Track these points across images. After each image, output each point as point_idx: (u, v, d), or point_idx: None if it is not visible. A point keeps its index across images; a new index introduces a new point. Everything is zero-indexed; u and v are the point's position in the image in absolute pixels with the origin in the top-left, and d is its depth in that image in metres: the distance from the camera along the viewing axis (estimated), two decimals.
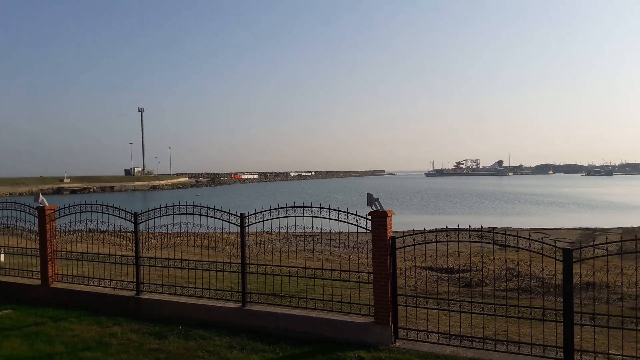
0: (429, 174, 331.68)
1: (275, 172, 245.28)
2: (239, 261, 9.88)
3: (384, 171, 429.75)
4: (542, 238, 7.78)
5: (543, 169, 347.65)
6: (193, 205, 10.16)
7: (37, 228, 12.15)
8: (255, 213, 9.64)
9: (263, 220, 9.56)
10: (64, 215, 11.87)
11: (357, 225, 8.76)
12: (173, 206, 10.36)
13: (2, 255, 13.99)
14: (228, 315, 9.75)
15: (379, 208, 8.51)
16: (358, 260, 9.02)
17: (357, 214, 8.75)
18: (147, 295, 10.70)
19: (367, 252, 8.84)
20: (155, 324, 9.91)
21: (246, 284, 9.83)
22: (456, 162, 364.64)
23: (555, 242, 7.62)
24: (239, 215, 9.81)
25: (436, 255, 8.67)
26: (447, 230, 8.21)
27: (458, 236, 8.20)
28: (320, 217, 9.03)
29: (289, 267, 9.69)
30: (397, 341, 8.50)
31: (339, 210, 8.92)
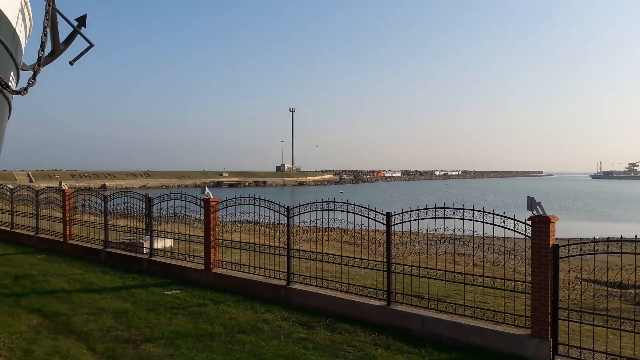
0: (595, 176, 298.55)
1: (419, 171, 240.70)
2: (384, 259, 9.83)
3: (541, 172, 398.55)
4: None
5: None
6: (341, 202, 10.35)
7: (202, 217, 13.33)
8: (402, 212, 9.50)
9: (410, 220, 9.39)
10: (225, 207, 12.86)
11: (514, 230, 8.18)
12: (322, 202, 10.66)
13: (172, 241, 15.57)
14: (372, 312, 9.76)
15: (541, 213, 7.82)
16: (514, 268, 8.39)
17: (515, 218, 8.16)
18: (296, 286, 11.15)
19: (526, 260, 8.20)
20: (303, 313, 10.27)
21: (391, 283, 9.75)
22: (629, 164, 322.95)
23: None
24: (385, 214, 9.75)
25: (607, 268, 7.72)
26: (621, 240, 7.28)
27: (635, 248, 7.21)
28: (473, 220, 8.56)
29: (436, 269, 9.39)
30: (556, 357, 7.76)
31: (494, 214, 8.39)
